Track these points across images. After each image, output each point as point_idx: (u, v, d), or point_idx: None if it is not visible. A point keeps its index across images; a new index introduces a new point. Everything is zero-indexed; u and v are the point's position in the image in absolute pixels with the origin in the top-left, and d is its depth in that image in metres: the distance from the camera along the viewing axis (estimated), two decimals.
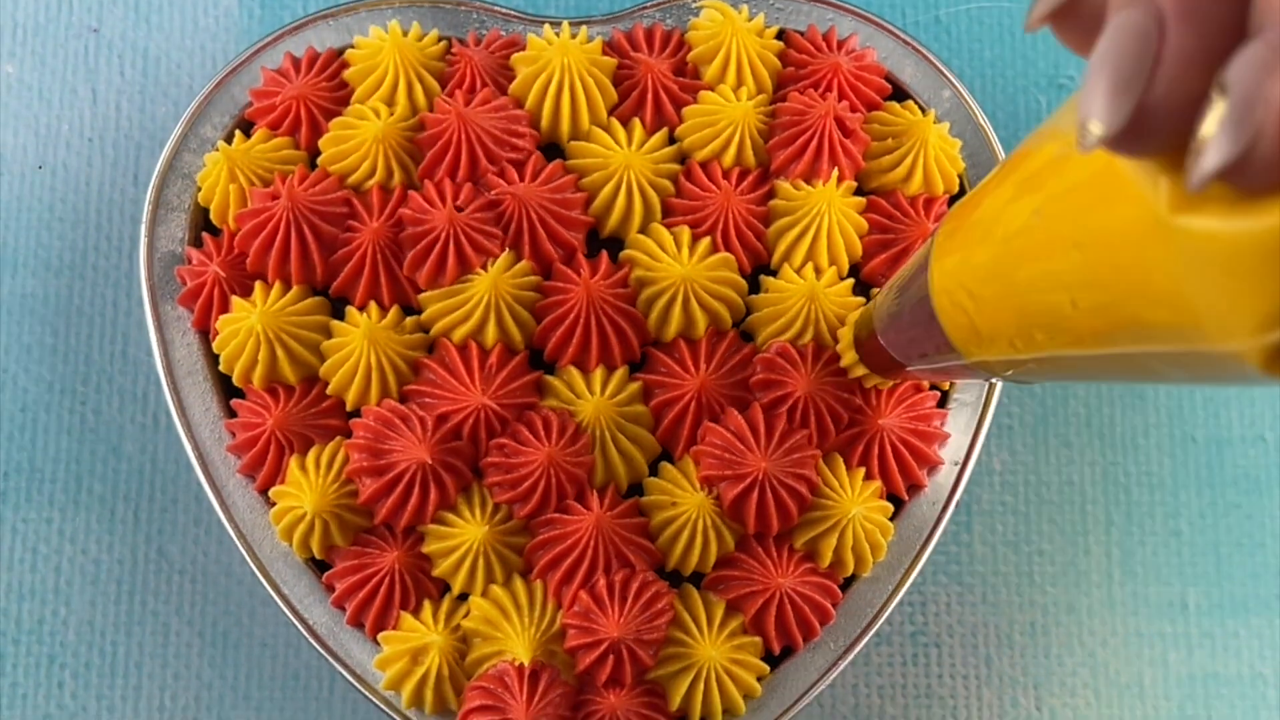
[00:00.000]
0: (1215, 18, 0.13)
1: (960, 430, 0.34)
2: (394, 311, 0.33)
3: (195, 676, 0.37)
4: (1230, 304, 0.13)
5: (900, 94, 0.36)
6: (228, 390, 0.34)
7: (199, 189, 0.34)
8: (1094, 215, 0.16)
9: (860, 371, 0.32)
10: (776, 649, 0.33)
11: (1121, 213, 0.15)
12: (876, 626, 0.33)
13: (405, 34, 0.35)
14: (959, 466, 0.34)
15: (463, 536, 0.32)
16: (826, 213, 0.33)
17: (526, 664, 0.31)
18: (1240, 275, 0.12)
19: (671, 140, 0.35)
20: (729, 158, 0.34)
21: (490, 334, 0.33)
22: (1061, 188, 0.17)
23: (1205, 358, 0.14)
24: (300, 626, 0.33)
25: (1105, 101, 0.14)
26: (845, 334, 0.32)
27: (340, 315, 0.33)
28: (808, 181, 0.34)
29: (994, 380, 0.25)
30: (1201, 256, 0.13)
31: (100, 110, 0.40)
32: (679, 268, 0.33)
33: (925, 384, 0.34)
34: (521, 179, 0.33)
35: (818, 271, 0.34)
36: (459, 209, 0.33)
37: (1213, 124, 0.13)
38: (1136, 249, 0.15)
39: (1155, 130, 0.14)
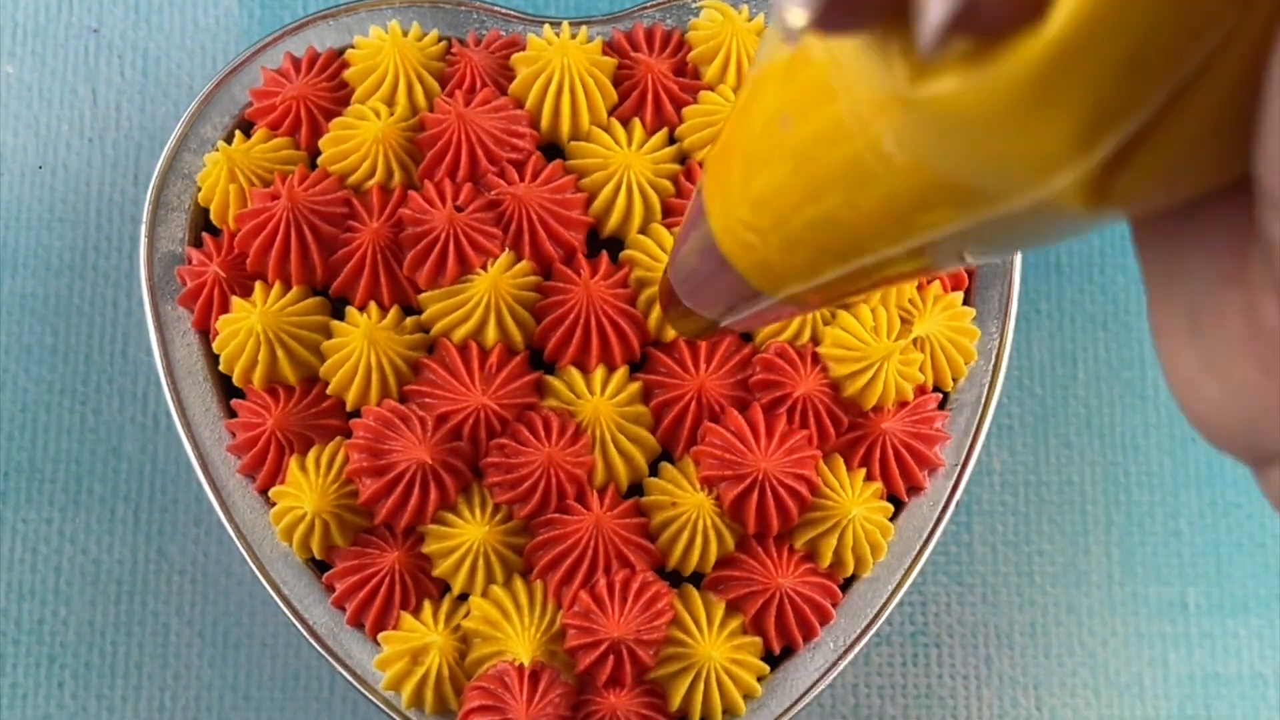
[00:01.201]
0: None
1: (960, 430, 0.34)
2: (394, 311, 0.33)
3: (195, 677, 0.37)
4: (1015, 153, 0.12)
5: None
6: (228, 390, 0.34)
7: (199, 189, 0.34)
8: (835, 107, 0.14)
9: (673, 334, 0.31)
10: (776, 649, 0.33)
11: (863, 97, 0.13)
12: (876, 627, 0.33)
13: (405, 34, 0.35)
14: (959, 467, 0.34)
15: (463, 537, 0.32)
16: None
17: (527, 664, 0.31)
18: (1015, 120, 0.11)
19: (671, 140, 0.35)
20: None
21: (490, 334, 0.33)
22: (797, 89, 0.15)
23: (1006, 218, 0.13)
24: (300, 627, 0.33)
25: None
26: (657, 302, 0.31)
27: (340, 315, 0.33)
28: None
29: (813, 310, 0.23)
30: (959, 120, 0.12)
31: (100, 110, 0.40)
32: None
33: (929, 385, 0.34)
34: (521, 179, 0.33)
35: None
36: (459, 209, 0.33)
37: None
38: (885, 132, 0.13)
39: (859, 6, 0.11)
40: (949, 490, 0.34)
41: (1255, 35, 0.10)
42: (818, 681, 0.33)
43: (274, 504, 0.33)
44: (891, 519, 0.33)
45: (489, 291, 0.32)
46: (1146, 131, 0.10)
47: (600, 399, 0.32)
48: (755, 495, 0.32)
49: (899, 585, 0.33)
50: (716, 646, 0.32)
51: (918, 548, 0.34)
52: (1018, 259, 0.35)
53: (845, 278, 0.18)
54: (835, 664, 0.33)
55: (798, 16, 0.11)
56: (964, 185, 0.13)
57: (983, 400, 0.34)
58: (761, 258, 0.19)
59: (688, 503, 0.32)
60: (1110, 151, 0.11)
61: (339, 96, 0.35)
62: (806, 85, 0.15)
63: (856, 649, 0.33)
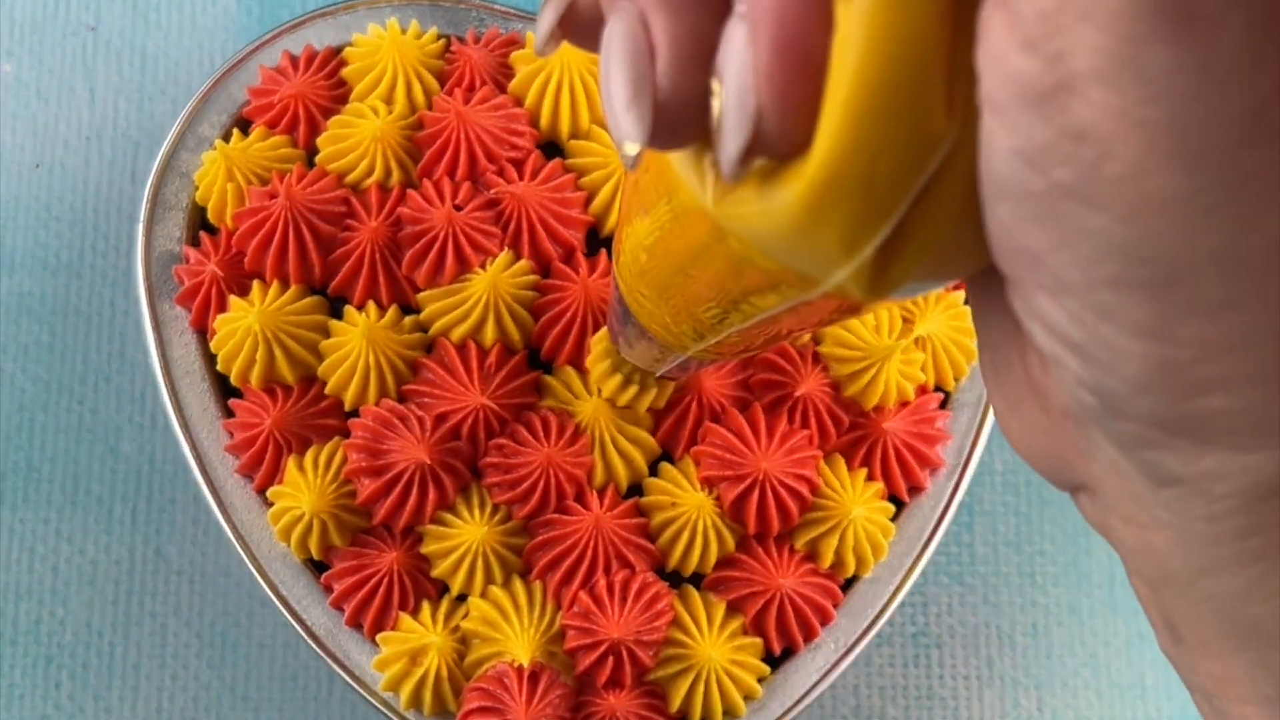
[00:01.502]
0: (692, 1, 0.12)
1: (961, 430, 0.34)
2: (392, 311, 0.33)
3: (193, 678, 0.37)
4: (798, 254, 0.13)
5: None
6: (225, 390, 0.34)
7: (197, 188, 0.34)
8: (681, 197, 0.16)
9: (612, 387, 0.31)
10: (777, 650, 0.32)
11: (685, 201, 0.15)
12: (878, 627, 0.33)
13: (404, 32, 0.35)
14: (960, 467, 0.34)
15: (462, 537, 0.31)
16: None
17: (526, 665, 0.31)
18: (795, 233, 0.13)
19: None
20: None
21: (489, 333, 0.32)
22: (658, 169, 0.17)
23: (821, 304, 0.15)
24: (298, 627, 0.33)
25: (624, 117, 0.13)
26: (597, 344, 0.32)
27: (338, 314, 0.33)
28: None
29: (732, 359, 0.24)
30: (755, 233, 0.13)
31: (98, 109, 0.40)
32: None
33: (931, 385, 0.34)
34: (521, 178, 0.33)
35: None
36: (458, 208, 0.32)
37: (718, 112, 0.12)
38: (714, 240, 0.15)
39: (678, 130, 0.13)
40: (950, 490, 0.34)
41: (975, 145, 0.12)
42: (818, 682, 0.33)
43: (272, 504, 0.33)
44: (892, 519, 0.33)
45: (488, 291, 0.32)
46: (904, 230, 0.12)
47: (599, 399, 0.32)
48: (755, 495, 0.31)
49: (900, 586, 0.33)
50: (717, 647, 0.31)
51: (919, 548, 0.34)
52: None
53: (741, 335, 0.19)
54: (836, 665, 0.33)
55: (631, 148, 0.13)
56: (769, 274, 0.15)
57: (984, 399, 0.34)
58: (662, 322, 0.21)
59: (688, 503, 0.32)
60: (873, 250, 0.12)
61: (337, 95, 0.35)
62: (664, 168, 0.16)
63: (857, 650, 0.33)
